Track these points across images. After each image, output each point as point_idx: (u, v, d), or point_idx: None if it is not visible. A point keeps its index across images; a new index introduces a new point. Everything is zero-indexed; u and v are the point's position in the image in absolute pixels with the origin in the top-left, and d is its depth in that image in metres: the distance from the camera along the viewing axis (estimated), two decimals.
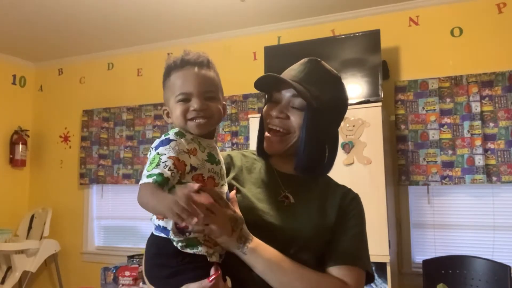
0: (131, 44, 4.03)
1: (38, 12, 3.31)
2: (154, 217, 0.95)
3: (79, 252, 4.16)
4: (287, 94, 1.08)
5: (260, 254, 0.96)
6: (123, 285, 3.22)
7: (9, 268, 3.90)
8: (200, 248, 0.92)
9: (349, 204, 1.09)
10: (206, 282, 0.89)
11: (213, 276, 0.90)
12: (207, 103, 0.98)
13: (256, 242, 0.97)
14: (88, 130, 4.20)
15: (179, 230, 0.91)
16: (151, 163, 0.91)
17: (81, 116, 4.27)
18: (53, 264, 4.11)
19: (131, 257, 3.42)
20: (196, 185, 0.90)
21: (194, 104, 0.97)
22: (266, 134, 1.10)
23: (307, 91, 1.05)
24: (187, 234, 0.92)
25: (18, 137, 4.32)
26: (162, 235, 0.94)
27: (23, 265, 3.86)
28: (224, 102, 1.06)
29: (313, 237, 1.01)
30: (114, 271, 3.35)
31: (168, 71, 1.02)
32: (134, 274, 3.21)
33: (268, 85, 1.12)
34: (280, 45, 3.47)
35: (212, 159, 0.99)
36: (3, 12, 3.32)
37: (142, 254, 1.14)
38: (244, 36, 3.70)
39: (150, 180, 0.88)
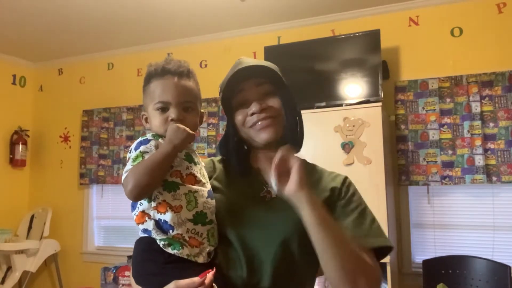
0: (131, 44, 4.03)
1: (38, 12, 3.31)
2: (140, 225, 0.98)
3: (79, 252, 4.16)
4: (250, 90, 1.09)
5: (318, 206, 0.94)
6: (123, 285, 3.22)
7: (9, 268, 3.90)
8: (181, 250, 0.94)
9: (341, 188, 1.09)
10: (197, 279, 0.90)
11: (205, 274, 0.91)
12: (184, 113, 1.01)
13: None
14: (88, 130, 4.20)
15: (160, 229, 0.94)
16: (134, 160, 0.95)
17: (81, 116, 4.27)
18: (53, 264, 4.11)
19: (131, 257, 3.41)
20: None
21: (172, 113, 1.00)
22: (259, 124, 1.08)
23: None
24: (170, 231, 0.94)
25: (18, 137, 4.32)
26: (147, 235, 0.97)
27: (23, 265, 3.86)
28: (202, 111, 1.09)
29: (296, 229, 0.99)
30: (114, 271, 3.35)
31: (149, 78, 1.05)
32: None
33: (226, 99, 1.11)
34: (280, 45, 3.47)
35: (190, 158, 1.02)
36: (3, 12, 3.32)
37: None
38: (244, 36, 3.70)
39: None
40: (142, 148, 0.96)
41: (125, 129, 4.03)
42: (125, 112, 4.04)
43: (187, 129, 0.96)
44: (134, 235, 1.02)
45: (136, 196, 0.93)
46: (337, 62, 3.06)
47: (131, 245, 1.02)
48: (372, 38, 2.98)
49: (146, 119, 1.07)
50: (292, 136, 1.12)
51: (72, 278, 4.11)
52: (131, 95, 4.01)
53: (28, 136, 4.42)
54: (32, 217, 4.17)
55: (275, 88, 1.11)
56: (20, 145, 4.30)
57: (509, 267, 2.58)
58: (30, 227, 4.13)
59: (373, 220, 1.07)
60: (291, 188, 0.92)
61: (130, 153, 0.99)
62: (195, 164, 1.02)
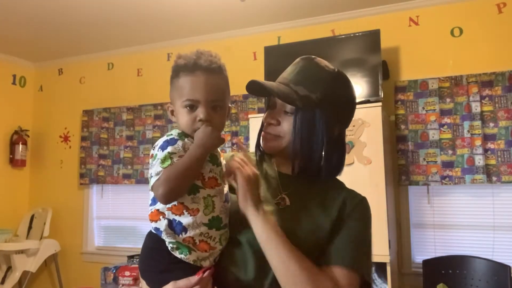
0: (131, 44, 4.03)
1: (38, 12, 3.31)
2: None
3: (79, 252, 4.16)
4: (279, 101, 1.07)
5: (268, 221, 0.96)
6: (123, 285, 3.22)
7: (9, 268, 3.90)
8: (188, 255, 0.94)
9: (352, 208, 1.06)
10: (194, 277, 0.91)
11: (202, 272, 0.92)
12: (212, 113, 0.98)
13: (267, 211, 0.99)
14: (88, 130, 4.20)
15: (172, 230, 0.94)
16: (163, 161, 0.93)
17: (81, 116, 4.27)
18: (53, 264, 4.11)
19: (131, 257, 3.41)
20: None
21: (200, 114, 0.97)
22: (264, 134, 1.10)
23: (293, 92, 1.02)
24: (182, 234, 0.94)
25: (18, 137, 4.32)
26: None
27: (23, 265, 3.86)
28: (230, 105, 1.07)
29: (305, 240, 0.97)
30: (114, 271, 3.35)
31: (177, 71, 1.00)
32: (134, 274, 3.21)
33: (260, 91, 1.09)
34: (280, 45, 3.47)
35: (214, 160, 1.00)
36: (3, 12, 3.32)
37: None
38: (244, 36, 3.70)
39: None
40: (170, 149, 0.94)
41: (125, 129, 4.02)
42: (125, 112, 4.04)
43: (219, 133, 0.97)
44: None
45: (169, 200, 0.93)
46: (337, 62, 3.06)
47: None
48: (372, 38, 2.98)
49: (172, 112, 1.04)
50: (304, 165, 1.06)
51: (72, 278, 4.11)
52: (131, 95, 4.01)
53: (28, 136, 4.42)
54: (32, 217, 4.17)
55: (294, 112, 1.03)
56: (20, 145, 4.30)
57: (509, 267, 2.58)
58: (30, 227, 4.13)
59: (367, 249, 1.03)
60: (240, 204, 0.97)
61: (154, 150, 0.97)
62: (217, 165, 1.01)
